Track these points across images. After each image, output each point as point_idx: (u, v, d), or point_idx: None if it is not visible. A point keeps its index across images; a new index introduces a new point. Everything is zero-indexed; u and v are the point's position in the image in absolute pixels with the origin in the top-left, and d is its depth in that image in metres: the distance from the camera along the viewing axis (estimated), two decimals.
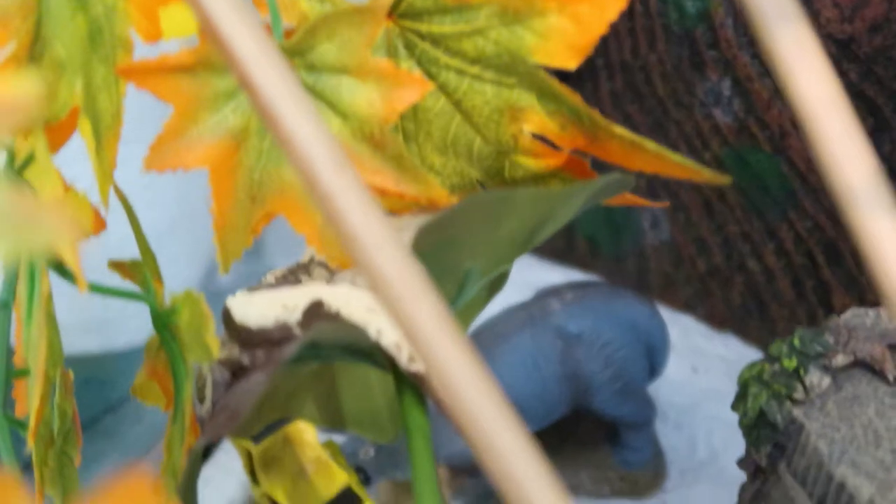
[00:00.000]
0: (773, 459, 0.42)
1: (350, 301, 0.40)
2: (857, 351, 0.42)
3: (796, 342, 0.43)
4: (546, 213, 0.39)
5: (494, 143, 0.42)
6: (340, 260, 0.42)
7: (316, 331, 0.39)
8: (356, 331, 0.39)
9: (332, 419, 0.54)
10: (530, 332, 0.57)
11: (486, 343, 0.57)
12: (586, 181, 0.39)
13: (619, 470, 0.60)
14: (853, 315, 0.44)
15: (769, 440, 0.42)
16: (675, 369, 0.65)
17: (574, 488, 0.60)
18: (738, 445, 0.60)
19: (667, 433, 0.63)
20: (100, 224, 0.51)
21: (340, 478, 0.57)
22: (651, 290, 0.68)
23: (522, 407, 0.57)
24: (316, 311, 0.40)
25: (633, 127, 0.63)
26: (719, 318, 0.67)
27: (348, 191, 0.31)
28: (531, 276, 0.68)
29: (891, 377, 0.42)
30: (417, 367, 0.40)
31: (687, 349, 0.66)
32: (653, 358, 0.59)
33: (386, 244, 0.31)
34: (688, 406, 0.64)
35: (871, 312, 0.44)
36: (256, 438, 0.56)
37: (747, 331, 0.66)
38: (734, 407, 0.43)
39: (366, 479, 0.58)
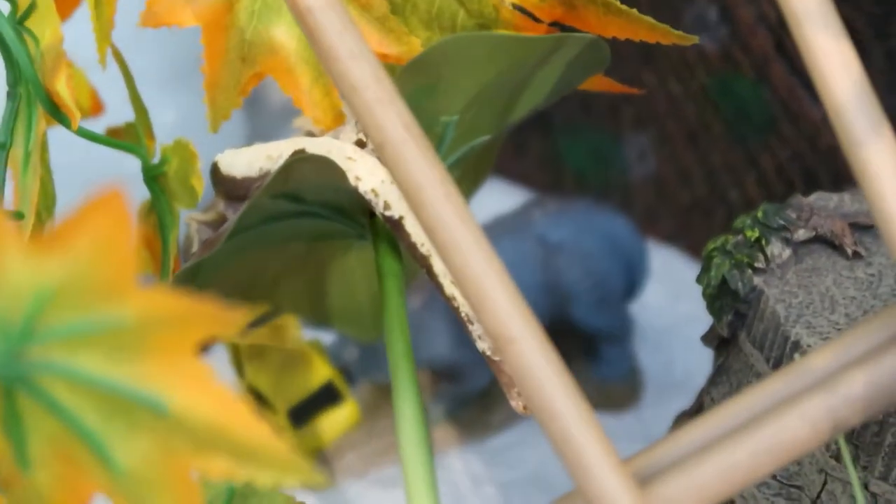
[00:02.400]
0: (733, 328, 0.44)
1: (331, 150, 0.42)
2: (819, 226, 0.45)
3: (760, 215, 0.45)
4: (522, 64, 0.42)
5: (477, 15, 0.44)
6: (326, 123, 0.45)
7: (297, 176, 0.41)
8: (336, 176, 0.42)
9: (316, 314, 0.56)
10: (510, 239, 0.59)
11: None
12: (560, 34, 0.42)
13: (596, 383, 0.62)
14: (817, 197, 0.46)
15: (730, 309, 0.44)
16: (655, 296, 0.67)
17: None
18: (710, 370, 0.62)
19: (645, 354, 0.65)
20: (97, 106, 0.53)
21: (323, 372, 0.59)
22: (635, 223, 0.70)
23: None
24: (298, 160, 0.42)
25: (618, 54, 0.66)
26: (699, 249, 0.69)
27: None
28: (516, 206, 0.71)
29: (849, 251, 0.44)
30: (392, 213, 0.42)
31: (668, 278, 0.68)
32: (631, 274, 0.61)
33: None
34: (667, 329, 0.66)
35: (835, 196, 0.46)
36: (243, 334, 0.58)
37: None
38: (699, 279, 0.45)
39: (349, 380, 0.60)
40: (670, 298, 0.67)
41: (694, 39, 0.41)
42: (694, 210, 0.68)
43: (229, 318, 0.26)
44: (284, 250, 0.50)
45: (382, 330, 0.58)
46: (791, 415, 0.32)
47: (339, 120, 0.44)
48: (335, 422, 0.58)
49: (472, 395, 0.61)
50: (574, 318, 0.60)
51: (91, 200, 0.26)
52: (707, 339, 0.46)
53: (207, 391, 0.28)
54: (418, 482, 0.36)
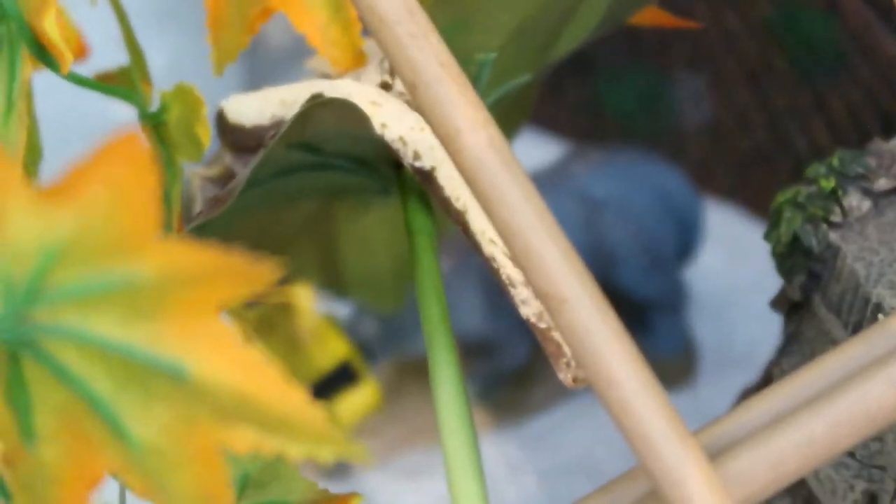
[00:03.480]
0: (806, 291, 0.46)
1: (353, 94, 0.43)
2: None
3: (835, 162, 0.46)
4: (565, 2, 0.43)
5: None
6: (345, 63, 0.46)
7: (316, 123, 0.42)
8: (359, 122, 0.43)
9: (331, 282, 0.58)
10: (548, 196, 0.61)
11: None
12: None
13: (650, 360, 0.63)
14: (885, 151, 0.47)
15: (803, 269, 0.45)
16: (713, 260, 0.68)
17: None
18: (778, 340, 0.63)
19: (701, 325, 0.66)
20: (82, 49, 0.54)
21: (339, 349, 0.60)
22: (688, 176, 0.71)
23: None
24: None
25: None
26: (763, 205, 0.70)
27: None
28: (554, 159, 0.72)
29: None
30: (422, 163, 0.43)
31: (727, 240, 0.69)
32: (686, 234, 0.62)
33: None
34: (726, 297, 0.67)
35: None
36: (250, 305, 0.60)
37: None
38: (767, 236, 0.47)
39: (368, 358, 0.61)
40: (730, 263, 0.69)
41: None
42: (755, 161, 0.69)
43: (258, 274, 0.28)
44: (297, 209, 0.51)
45: (405, 300, 0.59)
46: (875, 379, 0.34)
47: (359, 60, 0.46)
48: (353, 404, 0.60)
49: (508, 373, 0.62)
50: (621, 284, 0.62)
51: (106, 145, 0.27)
52: (776, 304, 0.47)
53: (232, 355, 0.29)
54: (462, 469, 0.37)
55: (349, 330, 0.61)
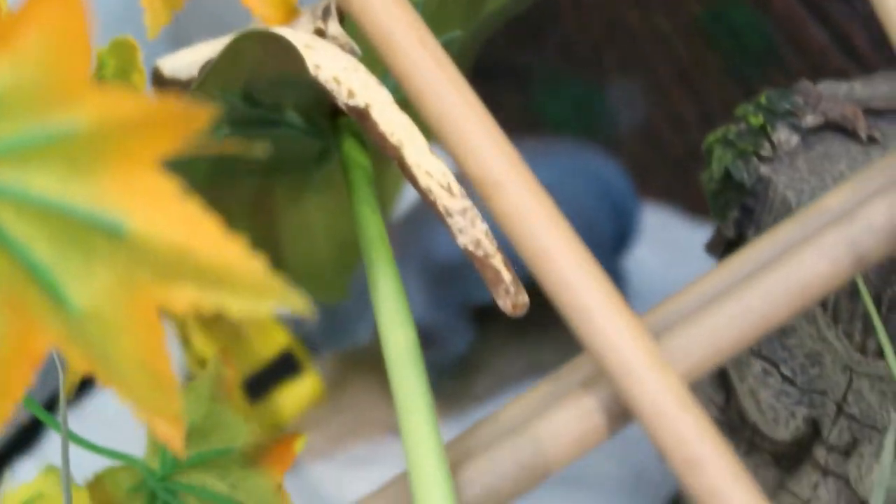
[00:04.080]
0: (740, 226, 0.46)
1: (286, 36, 0.44)
2: (829, 111, 0.47)
3: (763, 100, 0.47)
4: None
5: None
6: (278, 19, 0.47)
7: (249, 63, 0.43)
8: (291, 63, 0.43)
9: (273, 267, 0.58)
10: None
11: None
12: None
13: None
14: (826, 85, 0.49)
15: (736, 204, 0.46)
16: (652, 261, 0.69)
17: (537, 367, 0.63)
18: None
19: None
20: None
21: (280, 339, 0.60)
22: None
23: None
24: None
25: None
26: (699, 204, 0.71)
27: None
28: None
29: (864, 136, 0.46)
30: (356, 101, 0.44)
31: (664, 241, 0.70)
32: (622, 220, 0.63)
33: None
34: (664, 294, 0.68)
35: (844, 84, 0.49)
36: None
37: None
38: (702, 177, 0.48)
39: (310, 350, 0.62)
40: (667, 262, 0.69)
41: None
42: (690, 160, 0.71)
43: (194, 118, 0.28)
44: (236, 191, 0.51)
45: (348, 292, 0.60)
46: (807, 251, 0.34)
47: (292, 15, 0.47)
48: (295, 396, 0.60)
49: (449, 364, 0.62)
50: None
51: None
52: (711, 247, 0.48)
53: (170, 209, 0.30)
54: (419, 435, 0.36)
55: (292, 322, 0.62)
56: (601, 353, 0.33)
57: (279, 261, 0.59)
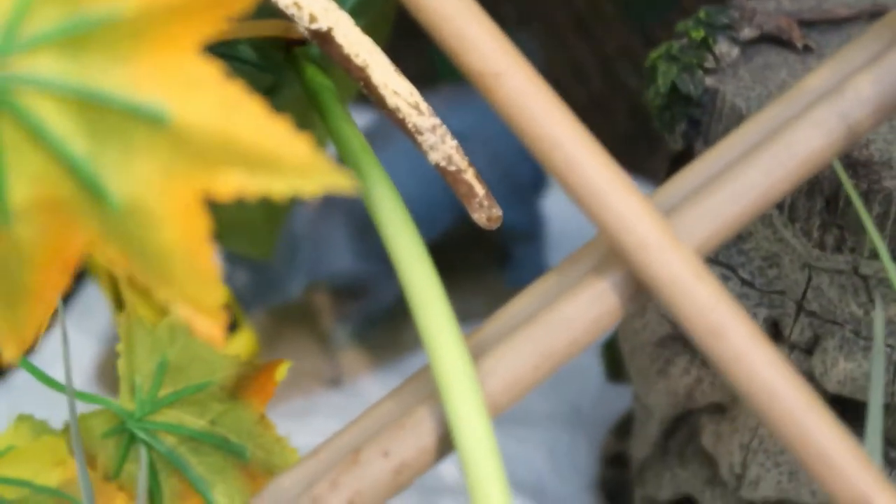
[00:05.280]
0: (688, 138, 0.48)
1: None
2: (763, 24, 0.49)
3: (702, 15, 0.49)
4: None
5: None
6: None
7: None
8: None
9: None
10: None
11: (367, 138, 0.62)
12: None
13: (512, 291, 0.65)
14: (757, 1, 0.50)
15: (683, 116, 0.48)
16: (557, 204, 0.71)
17: (467, 315, 0.64)
18: None
19: (558, 259, 0.68)
20: None
21: None
22: None
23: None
24: None
25: None
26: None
27: None
28: None
29: (799, 45, 0.48)
30: (319, 25, 0.44)
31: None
32: (537, 164, 0.65)
33: None
34: (580, 235, 0.69)
35: (772, 1, 0.51)
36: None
37: (636, 162, 0.72)
38: (647, 94, 0.49)
39: (242, 307, 0.62)
40: (574, 206, 0.71)
41: None
42: (592, 108, 0.72)
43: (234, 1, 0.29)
44: None
45: (276, 247, 0.60)
46: (801, 127, 0.36)
47: None
48: (230, 352, 0.60)
49: (379, 314, 0.63)
50: None
51: None
52: (656, 163, 0.50)
53: (213, 93, 0.30)
54: (438, 328, 0.36)
55: (223, 279, 0.62)
56: (616, 231, 0.34)
57: (211, 215, 0.59)
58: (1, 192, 0.31)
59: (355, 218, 0.62)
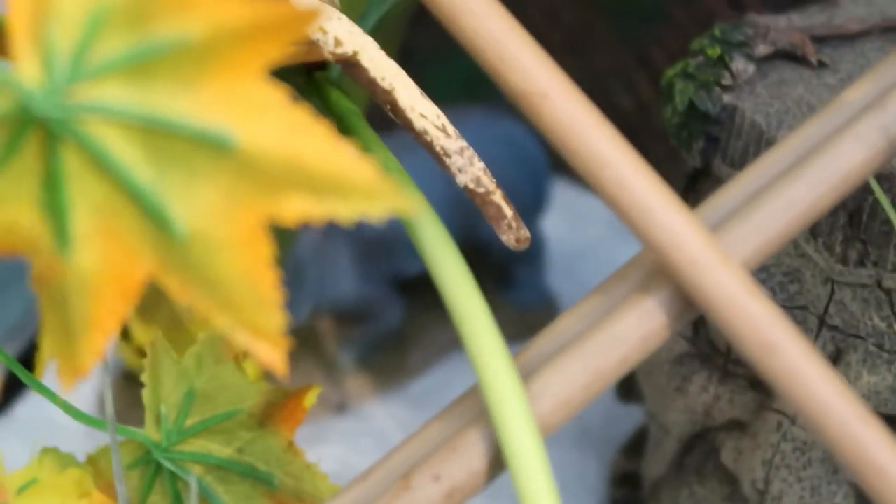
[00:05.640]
0: (706, 156, 0.48)
1: None
2: (778, 41, 0.49)
3: (717, 33, 0.49)
4: None
5: None
6: None
7: None
8: None
9: None
10: (409, 153, 0.62)
11: None
12: None
13: (514, 312, 0.65)
14: (769, 18, 0.51)
15: (701, 134, 0.48)
16: (555, 225, 0.71)
17: None
18: None
19: (558, 280, 0.68)
20: None
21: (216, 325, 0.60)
22: None
23: (407, 233, 0.62)
24: None
25: None
26: None
27: None
28: None
29: (813, 60, 0.49)
30: (344, 49, 0.44)
31: (565, 208, 0.72)
32: (538, 182, 0.65)
33: None
34: (575, 254, 0.69)
35: (783, 17, 0.51)
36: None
37: None
38: (662, 111, 0.49)
39: None
40: (572, 226, 0.71)
41: None
42: None
43: (303, 21, 0.29)
44: None
45: (282, 271, 0.60)
46: (844, 140, 0.36)
47: None
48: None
49: (384, 338, 0.63)
50: (483, 237, 0.64)
51: None
52: (674, 179, 0.50)
53: (278, 118, 0.30)
54: (488, 350, 0.36)
55: None
56: (666, 249, 0.34)
57: None
58: (64, 221, 0.30)
59: (359, 242, 0.62)
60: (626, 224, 0.35)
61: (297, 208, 0.30)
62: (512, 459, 0.34)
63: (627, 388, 0.57)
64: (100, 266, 0.31)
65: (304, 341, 0.62)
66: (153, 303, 0.60)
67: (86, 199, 0.30)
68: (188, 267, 0.31)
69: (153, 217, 0.30)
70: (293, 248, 0.63)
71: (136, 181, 0.30)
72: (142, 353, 0.59)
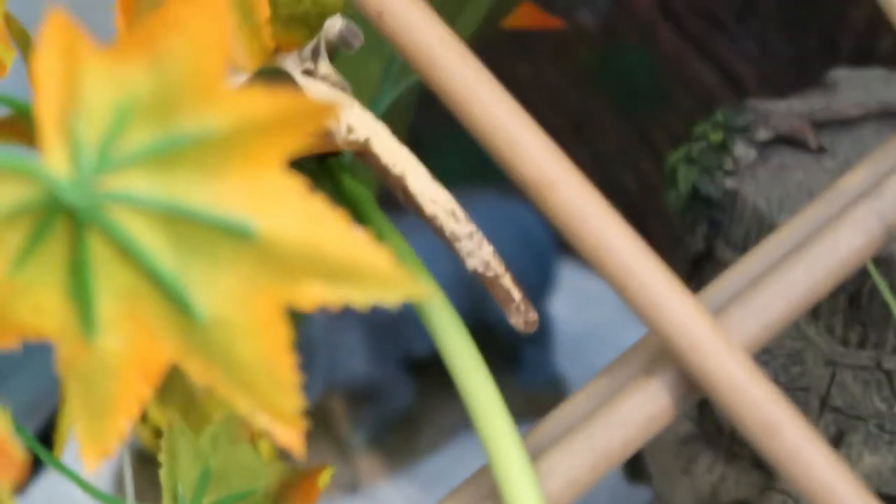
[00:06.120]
0: (709, 240, 0.50)
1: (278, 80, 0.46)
2: (778, 126, 0.51)
3: (719, 118, 0.51)
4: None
5: None
6: (252, 65, 0.48)
7: None
8: None
9: None
10: (418, 234, 0.64)
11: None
12: None
13: (523, 393, 0.66)
14: (769, 103, 0.52)
15: (704, 218, 0.49)
16: (562, 306, 0.72)
17: None
18: None
19: (566, 362, 0.69)
20: None
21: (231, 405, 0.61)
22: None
23: (418, 314, 0.63)
24: None
25: (490, 48, 0.72)
26: None
27: None
28: None
29: (813, 146, 0.50)
30: (356, 136, 0.46)
31: (572, 289, 0.73)
32: (545, 266, 0.66)
33: None
34: (582, 336, 0.71)
35: (782, 102, 0.53)
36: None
37: None
38: (666, 195, 0.51)
39: None
40: (578, 308, 0.72)
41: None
42: None
43: (323, 113, 0.30)
44: None
45: (297, 330, 0.61)
46: (841, 227, 0.37)
47: (268, 60, 0.48)
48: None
49: (395, 418, 0.64)
50: (490, 318, 0.65)
51: None
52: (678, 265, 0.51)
53: (297, 207, 0.31)
54: (497, 430, 0.37)
55: None
56: (670, 334, 0.36)
57: None
58: (90, 306, 0.32)
59: (370, 323, 0.63)
60: (632, 309, 0.36)
61: (314, 295, 0.32)
62: None
63: (635, 468, 0.58)
64: (124, 349, 0.32)
65: (315, 421, 0.63)
66: (169, 384, 0.61)
67: (111, 285, 0.32)
68: (209, 350, 0.32)
69: (175, 302, 0.32)
70: (305, 328, 0.64)
71: (159, 268, 0.31)
72: (158, 434, 0.60)
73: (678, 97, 0.70)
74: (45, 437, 0.68)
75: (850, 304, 0.46)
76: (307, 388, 0.63)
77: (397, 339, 0.63)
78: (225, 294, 0.32)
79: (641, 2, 0.69)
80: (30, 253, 0.31)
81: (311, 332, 0.62)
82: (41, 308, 0.32)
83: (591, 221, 0.36)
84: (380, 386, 0.63)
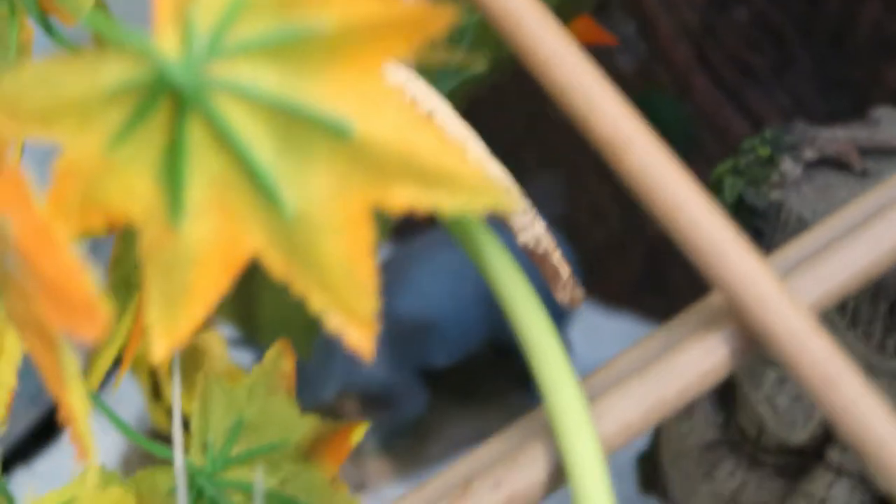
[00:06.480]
0: None
1: None
2: (824, 148, 0.52)
3: (768, 135, 0.52)
4: None
5: None
6: None
7: None
8: None
9: (245, 322, 0.60)
10: (449, 251, 0.65)
11: (409, 256, 0.64)
12: None
13: (537, 412, 0.67)
14: (814, 128, 0.54)
15: (748, 228, 0.50)
16: (586, 336, 0.73)
17: (484, 434, 0.66)
18: None
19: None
20: None
21: None
22: None
23: (438, 327, 0.64)
24: None
25: (522, 87, 0.73)
26: (616, 294, 0.75)
27: None
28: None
29: (858, 168, 0.51)
30: (420, 110, 0.47)
31: (587, 327, 0.74)
32: (557, 307, 0.67)
33: None
34: (597, 365, 0.71)
35: (825, 129, 0.54)
36: None
37: (645, 307, 0.74)
38: None
39: None
40: (592, 343, 0.73)
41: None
42: (607, 251, 0.75)
43: (435, 23, 0.31)
44: None
45: (312, 350, 0.62)
46: None
47: None
48: None
49: (406, 426, 0.64)
50: (511, 340, 0.65)
51: None
52: None
53: (394, 112, 0.32)
54: (555, 369, 0.38)
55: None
56: (736, 287, 0.36)
57: (251, 313, 0.61)
58: (180, 190, 0.32)
59: (391, 330, 0.63)
60: (698, 264, 0.37)
61: (404, 197, 0.32)
62: (574, 475, 0.36)
63: (649, 478, 0.58)
64: (209, 237, 0.33)
65: (333, 419, 0.63)
66: (186, 368, 0.62)
67: (204, 172, 0.32)
68: (292, 245, 0.33)
69: (265, 194, 0.32)
70: (326, 331, 0.64)
71: (255, 158, 0.32)
72: (170, 414, 0.60)
73: (709, 145, 0.71)
74: (48, 427, 0.68)
75: (890, 311, 0.47)
76: (324, 386, 0.63)
77: (415, 349, 0.64)
78: (315, 191, 0.32)
79: (678, 50, 0.70)
80: (129, 131, 0.32)
81: (331, 335, 0.63)
82: (131, 189, 0.32)
83: (665, 180, 0.37)
84: (395, 392, 0.63)
